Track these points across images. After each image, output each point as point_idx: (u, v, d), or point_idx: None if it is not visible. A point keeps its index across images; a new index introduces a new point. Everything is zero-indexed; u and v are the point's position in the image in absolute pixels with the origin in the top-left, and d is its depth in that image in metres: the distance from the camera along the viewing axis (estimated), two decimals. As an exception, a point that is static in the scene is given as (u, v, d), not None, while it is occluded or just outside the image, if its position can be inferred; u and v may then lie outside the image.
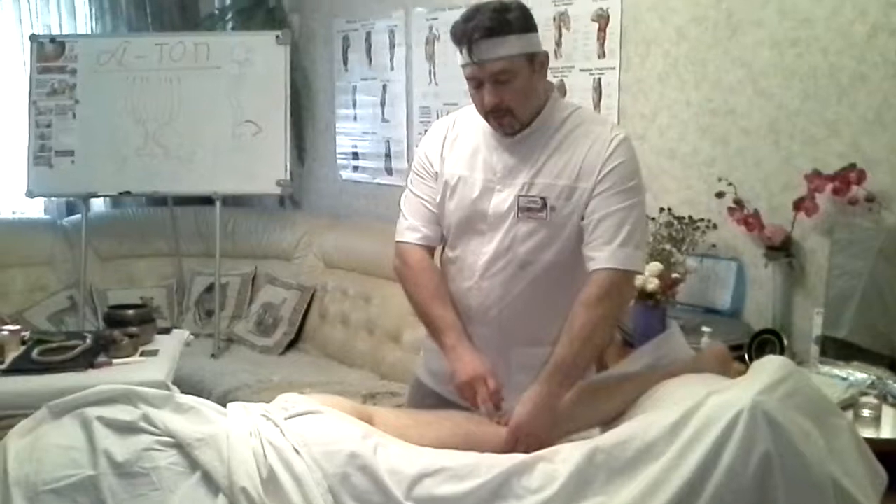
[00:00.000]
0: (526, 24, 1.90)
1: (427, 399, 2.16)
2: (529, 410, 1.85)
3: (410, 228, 2.11)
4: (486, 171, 2.01)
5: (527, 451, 1.81)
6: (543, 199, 1.94)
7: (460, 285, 2.07)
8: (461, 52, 1.89)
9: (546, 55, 1.97)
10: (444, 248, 2.15)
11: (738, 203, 2.79)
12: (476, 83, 1.91)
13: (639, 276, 2.68)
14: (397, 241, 2.13)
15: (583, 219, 1.94)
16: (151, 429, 1.64)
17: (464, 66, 1.92)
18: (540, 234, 1.96)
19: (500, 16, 1.85)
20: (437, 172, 2.09)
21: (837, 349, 2.51)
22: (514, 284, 2.00)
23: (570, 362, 1.87)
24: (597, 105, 3.24)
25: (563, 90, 3.35)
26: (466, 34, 1.86)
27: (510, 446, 1.83)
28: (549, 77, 3.43)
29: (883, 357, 2.45)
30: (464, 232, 2.05)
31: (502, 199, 1.98)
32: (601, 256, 1.89)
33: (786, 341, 2.55)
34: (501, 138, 2.00)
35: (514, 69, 1.87)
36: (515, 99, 1.91)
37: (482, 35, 1.84)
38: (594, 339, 1.90)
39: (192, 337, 3.36)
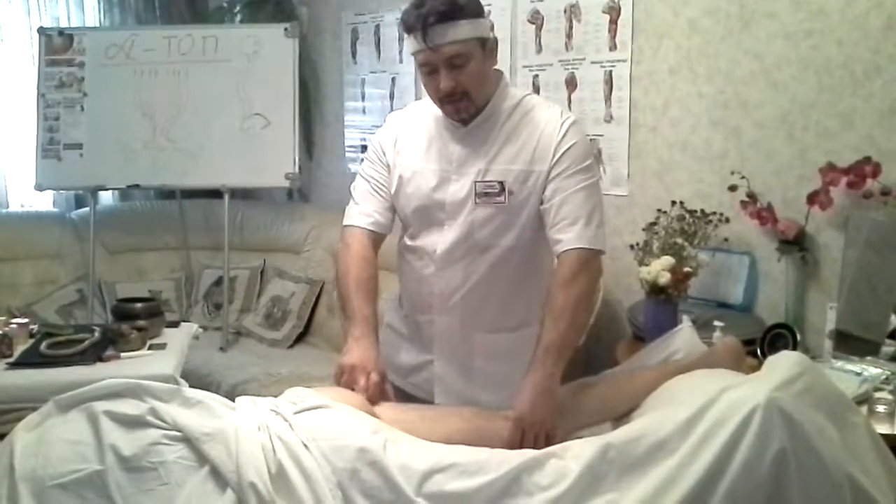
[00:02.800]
0: (477, 8, 1.92)
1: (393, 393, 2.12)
2: (529, 398, 1.83)
3: (363, 213, 2.13)
4: (440, 161, 2.03)
5: (535, 442, 1.80)
6: (501, 182, 1.97)
7: (421, 272, 2.09)
8: (415, 38, 1.89)
9: (496, 41, 1.98)
10: (401, 237, 2.16)
11: (751, 196, 2.77)
12: (430, 69, 1.92)
13: (650, 270, 2.68)
14: (345, 225, 2.15)
15: (542, 203, 1.96)
16: (159, 423, 1.63)
17: (416, 53, 1.93)
18: (498, 219, 1.99)
19: (451, 1, 1.86)
20: (389, 164, 2.11)
21: (851, 343, 2.49)
22: (474, 270, 2.02)
23: (558, 342, 1.86)
24: (608, 98, 3.22)
25: (573, 83, 3.33)
26: (420, 19, 1.86)
27: (517, 438, 1.82)
28: (560, 69, 3.44)
29: (871, 344, 2.44)
30: (422, 221, 2.07)
31: (459, 187, 2.00)
32: (569, 237, 1.91)
33: (799, 336, 2.53)
34: (454, 129, 2.02)
35: (468, 53, 1.89)
36: (470, 82, 1.92)
37: (436, 19, 1.85)
38: (576, 317, 1.90)
39: (200, 330, 3.35)
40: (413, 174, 2.06)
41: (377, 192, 2.12)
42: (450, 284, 2.04)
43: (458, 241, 2.01)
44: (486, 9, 1.96)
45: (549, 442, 1.79)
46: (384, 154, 2.12)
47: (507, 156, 1.97)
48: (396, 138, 2.11)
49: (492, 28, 1.98)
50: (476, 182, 1.98)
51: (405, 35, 1.94)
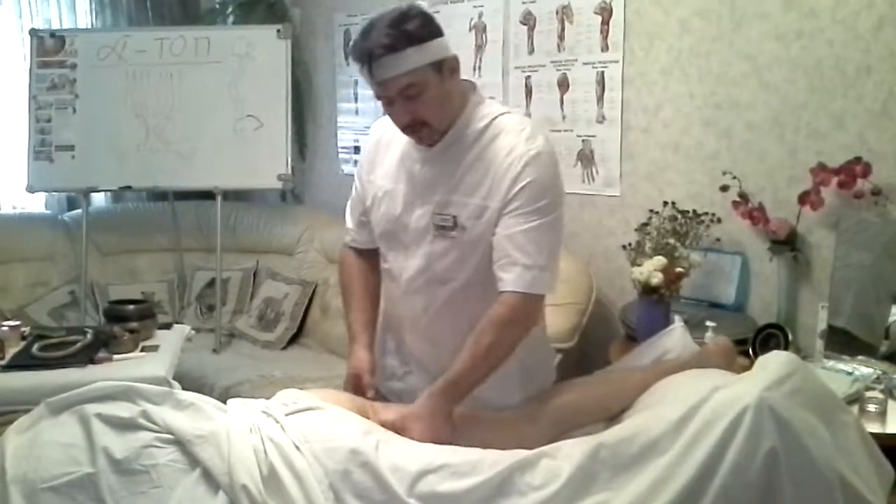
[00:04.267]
0: (427, 31, 1.79)
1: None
2: (425, 425, 1.82)
3: (346, 230, 2.20)
4: (408, 183, 1.98)
5: None
6: (454, 217, 1.89)
7: (392, 293, 2.09)
8: (363, 72, 1.80)
9: (456, 59, 1.86)
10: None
11: (743, 197, 2.77)
12: (386, 101, 1.84)
13: (643, 271, 2.69)
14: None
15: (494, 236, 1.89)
16: (151, 426, 1.63)
17: (371, 86, 1.84)
18: (454, 254, 1.92)
19: (396, 30, 1.75)
20: (365, 181, 2.10)
21: (842, 343, 2.49)
22: (436, 298, 1.98)
23: (466, 380, 1.85)
24: (600, 98, 3.23)
25: (566, 84, 3.33)
26: (365, 53, 1.76)
27: None
28: (552, 70, 3.44)
29: (863, 343, 2.46)
30: (390, 243, 2.05)
31: (421, 215, 1.94)
32: (508, 278, 1.83)
33: (790, 336, 2.54)
34: (422, 150, 1.94)
35: (420, 82, 1.78)
36: (429, 111, 1.82)
37: (380, 53, 1.74)
38: (494, 360, 1.86)
39: (193, 332, 3.34)
40: (384, 194, 2.02)
41: (358, 210, 2.14)
42: (415, 309, 2.01)
43: (420, 271, 1.97)
44: (440, 27, 1.83)
45: None
46: (363, 171, 2.10)
47: (467, 187, 1.89)
48: (376, 150, 2.07)
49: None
50: (434, 213, 1.92)
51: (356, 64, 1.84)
